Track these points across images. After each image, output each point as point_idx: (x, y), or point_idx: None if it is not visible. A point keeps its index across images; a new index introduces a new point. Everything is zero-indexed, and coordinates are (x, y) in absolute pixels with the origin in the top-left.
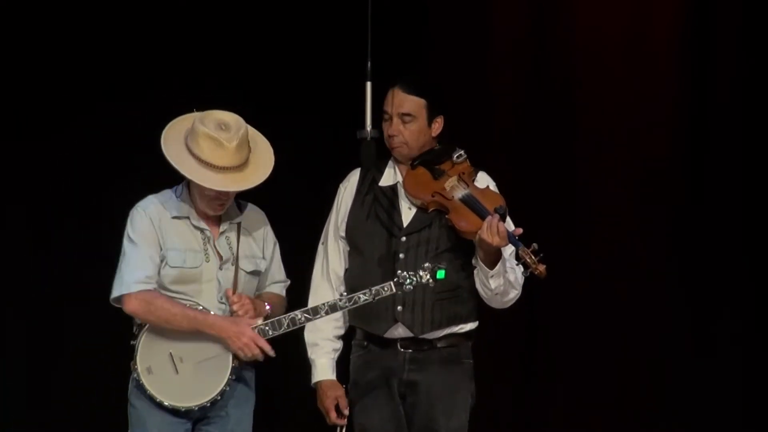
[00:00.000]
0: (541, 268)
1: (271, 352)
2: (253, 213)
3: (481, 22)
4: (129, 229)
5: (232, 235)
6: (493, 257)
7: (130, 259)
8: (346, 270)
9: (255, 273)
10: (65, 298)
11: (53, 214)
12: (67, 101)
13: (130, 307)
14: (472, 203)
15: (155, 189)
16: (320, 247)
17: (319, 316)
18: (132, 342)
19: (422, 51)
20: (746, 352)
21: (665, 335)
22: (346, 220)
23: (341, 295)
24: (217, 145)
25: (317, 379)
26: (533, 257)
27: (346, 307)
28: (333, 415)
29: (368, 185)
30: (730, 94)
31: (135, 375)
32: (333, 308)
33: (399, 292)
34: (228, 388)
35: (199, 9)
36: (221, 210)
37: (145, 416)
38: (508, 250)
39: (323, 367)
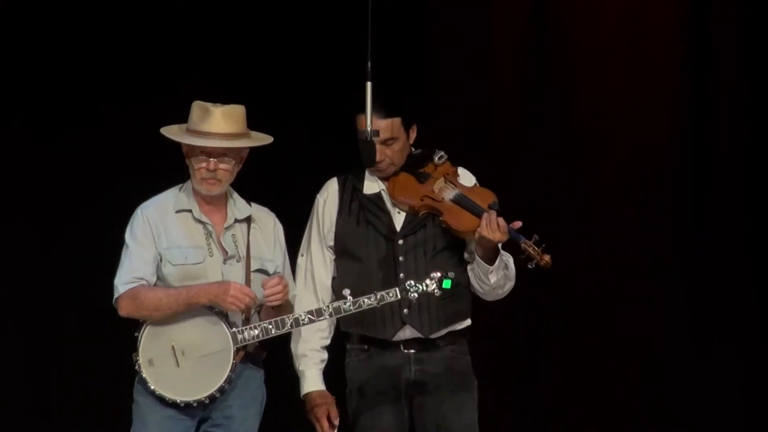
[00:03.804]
0: (546, 258)
1: (257, 299)
2: (263, 214)
3: (481, 22)
4: (126, 232)
5: (239, 233)
6: (492, 253)
7: (122, 263)
8: (334, 278)
9: (260, 271)
10: (67, 303)
11: (55, 218)
12: (68, 104)
13: (121, 310)
14: (464, 202)
15: (158, 192)
16: (300, 260)
17: (322, 317)
18: (135, 334)
19: (422, 51)
20: (746, 352)
21: (665, 335)
22: (333, 229)
23: (346, 298)
24: (204, 112)
25: (307, 390)
26: (536, 248)
27: (350, 311)
28: (325, 425)
29: (350, 193)
30: (732, 95)
31: (136, 367)
32: (337, 311)
33: (402, 299)
34: (227, 386)
35: (200, 9)
36: (215, 189)
37: (146, 413)
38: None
39: (313, 378)
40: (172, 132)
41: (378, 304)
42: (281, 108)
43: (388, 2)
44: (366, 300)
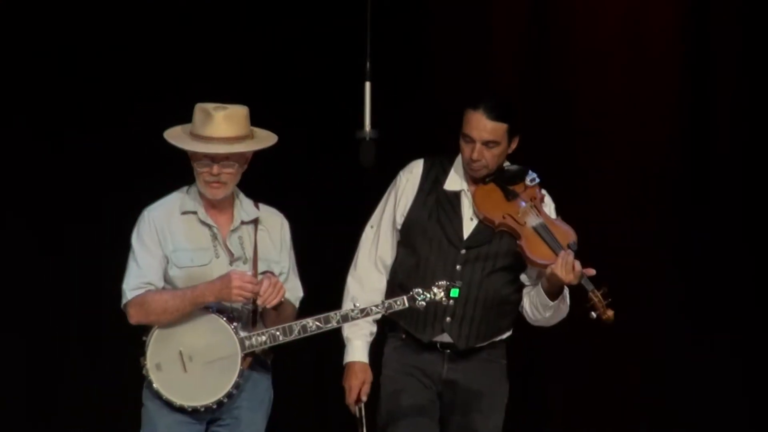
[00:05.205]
0: (610, 313)
1: (258, 286)
2: (271, 215)
3: (481, 22)
4: (132, 235)
5: (246, 235)
6: (558, 290)
7: (130, 267)
8: (393, 262)
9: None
10: (68, 303)
11: (57, 221)
12: (69, 104)
13: (131, 318)
14: (545, 234)
15: (160, 196)
16: (369, 230)
17: (330, 325)
18: (144, 338)
19: (422, 51)
20: (746, 352)
21: (665, 335)
22: (405, 214)
23: (354, 305)
24: (205, 116)
25: (350, 359)
26: (602, 301)
27: (358, 317)
28: (354, 395)
29: (431, 183)
30: (732, 95)
31: (144, 371)
32: (345, 318)
33: (411, 306)
34: (235, 391)
35: (200, 10)
36: (220, 193)
37: (155, 417)
38: None
39: (358, 349)
40: (175, 135)
41: (386, 311)
42: (281, 108)
43: (388, 2)
44: (374, 308)
